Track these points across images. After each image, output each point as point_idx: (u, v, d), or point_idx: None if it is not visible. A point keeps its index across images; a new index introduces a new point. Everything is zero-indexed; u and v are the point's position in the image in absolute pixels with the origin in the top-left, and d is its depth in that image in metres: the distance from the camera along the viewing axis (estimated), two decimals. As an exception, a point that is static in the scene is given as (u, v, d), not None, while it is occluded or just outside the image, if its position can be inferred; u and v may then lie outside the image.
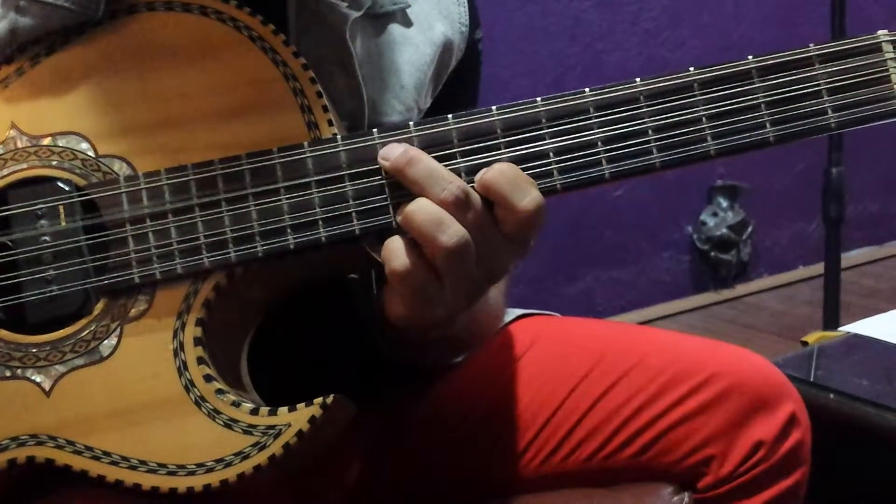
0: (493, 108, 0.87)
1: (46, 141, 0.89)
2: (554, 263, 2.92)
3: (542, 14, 2.84)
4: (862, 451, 1.56)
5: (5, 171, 0.88)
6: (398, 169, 0.84)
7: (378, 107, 0.99)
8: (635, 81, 0.88)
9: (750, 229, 3.21)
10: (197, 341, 0.85)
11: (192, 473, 0.83)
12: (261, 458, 0.82)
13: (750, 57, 0.88)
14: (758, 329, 2.99)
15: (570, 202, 2.89)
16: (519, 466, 1.07)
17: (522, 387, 1.09)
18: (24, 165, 0.88)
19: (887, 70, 0.88)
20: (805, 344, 1.85)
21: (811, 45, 0.89)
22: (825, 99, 0.88)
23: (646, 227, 3.09)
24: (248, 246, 0.86)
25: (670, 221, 3.15)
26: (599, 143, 0.86)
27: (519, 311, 1.16)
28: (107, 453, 0.84)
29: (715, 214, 3.16)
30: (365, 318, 0.96)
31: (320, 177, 0.86)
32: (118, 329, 0.86)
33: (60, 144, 0.88)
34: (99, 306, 0.86)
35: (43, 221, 0.87)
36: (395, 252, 0.84)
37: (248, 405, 0.84)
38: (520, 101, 0.87)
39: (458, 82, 1.07)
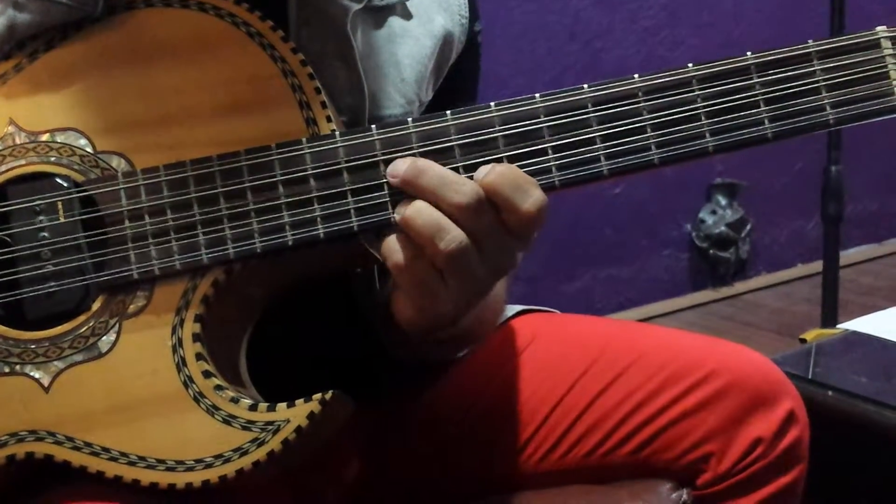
0: (492, 104, 0.87)
1: (45, 137, 0.89)
2: (553, 261, 2.92)
3: (541, 12, 2.84)
4: (860, 448, 1.56)
5: (3, 168, 0.88)
6: (409, 181, 0.84)
7: (379, 100, 0.99)
8: (633, 78, 0.88)
9: (749, 227, 3.21)
10: (195, 337, 0.85)
11: (190, 469, 0.83)
12: (259, 453, 0.82)
13: (749, 53, 0.88)
14: (756, 327, 2.99)
15: (569, 200, 2.89)
16: (518, 463, 1.08)
17: (521, 383, 1.09)
18: (23, 161, 0.88)
19: (886, 66, 0.88)
20: (803, 341, 1.85)
21: (810, 41, 0.88)
22: (823, 95, 0.88)
23: (645, 225, 3.09)
24: (247, 242, 0.86)
25: (669, 219, 3.15)
26: (598, 140, 0.86)
27: (519, 308, 1.16)
28: (106, 449, 0.84)
29: (714, 212, 3.16)
30: (367, 314, 0.96)
31: (318, 173, 0.86)
32: (117, 325, 0.86)
33: (59, 140, 0.88)
34: (97, 302, 0.86)
35: (41, 217, 0.87)
36: (395, 248, 0.84)
37: (247, 401, 0.84)
38: (518, 98, 0.87)
39: (458, 75, 1.07)
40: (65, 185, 0.87)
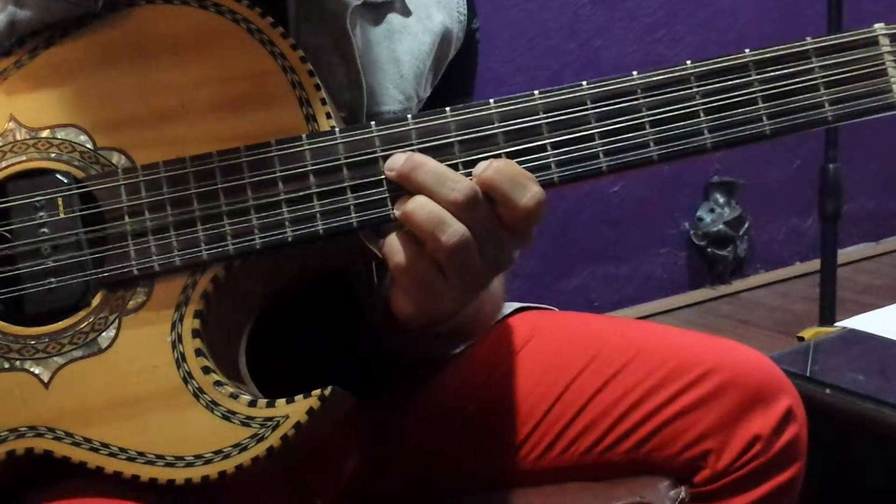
0: (491, 100, 0.87)
1: (45, 133, 0.89)
2: (550, 259, 2.92)
3: (539, 10, 2.84)
4: (858, 445, 1.56)
5: (4, 164, 0.88)
6: (404, 176, 0.84)
7: (377, 96, 0.99)
8: (632, 74, 0.88)
9: (746, 225, 3.21)
10: (195, 333, 0.85)
11: (190, 465, 0.83)
12: (259, 449, 0.82)
13: (747, 50, 0.88)
14: (754, 325, 2.99)
15: (567, 198, 2.89)
16: (516, 460, 1.08)
17: (519, 381, 1.09)
18: (23, 158, 0.88)
19: (884, 63, 0.88)
20: (801, 339, 1.85)
21: (808, 38, 0.89)
22: (822, 92, 0.88)
23: (642, 224, 3.09)
24: (247, 238, 0.86)
25: (667, 217, 3.15)
26: (596, 136, 0.87)
27: (517, 305, 1.16)
28: (105, 445, 0.84)
29: (712, 210, 3.16)
30: (366, 310, 0.96)
31: (318, 169, 0.86)
32: (116, 321, 0.86)
33: (59, 137, 0.88)
34: (97, 298, 0.86)
35: (41, 213, 0.87)
36: (396, 246, 0.84)
37: (246, 397, 0.84)
38: (517, 94, 0.87)
39: (455, 72, 1.08)
40: (65, 181, 0.87)
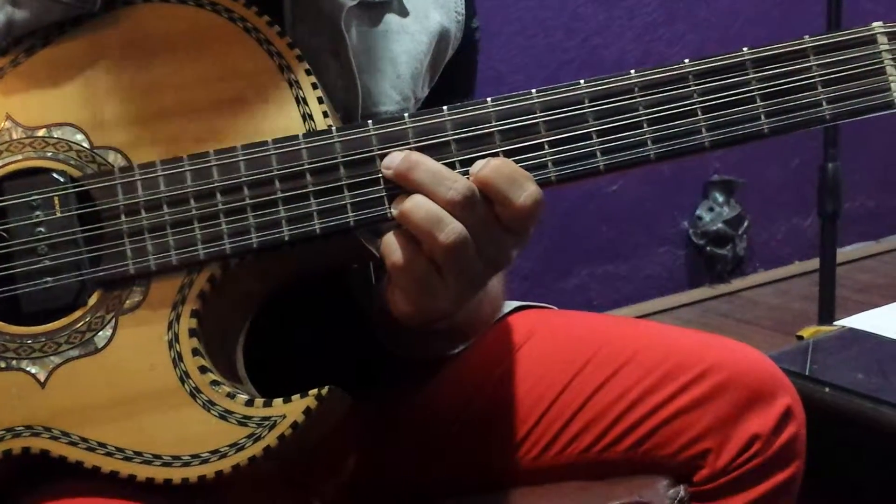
0: (488, 99, 0.87)
1: (41, 132, 0.88)
2: (549, 258, 2.92)
3: (538, 8, 2.84)
4: (857, 444, 1.56)
5: (0, 163, 0.88)
6: (401, 174, 0.84)
7: (374, 96, 0.99)
8: (630, 73, 0.87)
9: (746, 224, 3.21)
10: (192, 332, 0.85)
11: (186, 464, 0.83)
12: (256, 449, 0.82)
13: (745, 49, 0.88)
14: (753, 323, 2.99)
15: (566, 197, 2.89)
16: (515, 459, 1.08)
17: (518, 380, 1.09)
18: (19, 157, 0.88)
19: (882, 62, 0.88)
20: (800, 338, 1.86)
21: (806, 36, 0.88)
22: (819, 91, 0.88)
23: (641, 222, 3.09)
24: (243, 238, 0.86)
25: (666, 216, 3.15)
26: (594, 135, 0.86)
27: (516, 304, 1.16)
28: (102, 444, 0.84)
29: (711, 209, 3.16)
30: (364, 310, 0.96)
31: (315, 167, 0.86)
32: (113, 320, 0.86)
33: (55, 136, 0.88)
34: (94, 297, 0.86)
35: (38, 213, 0.87)
36: (393, 245, 0.84)
37: (243, 396, 0.84)
38: (514, 93, 0.87)
39: (454, 71, 1.07)
40: (61, 180, 0.87)
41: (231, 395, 0.84)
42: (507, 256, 0.87)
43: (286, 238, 0.86)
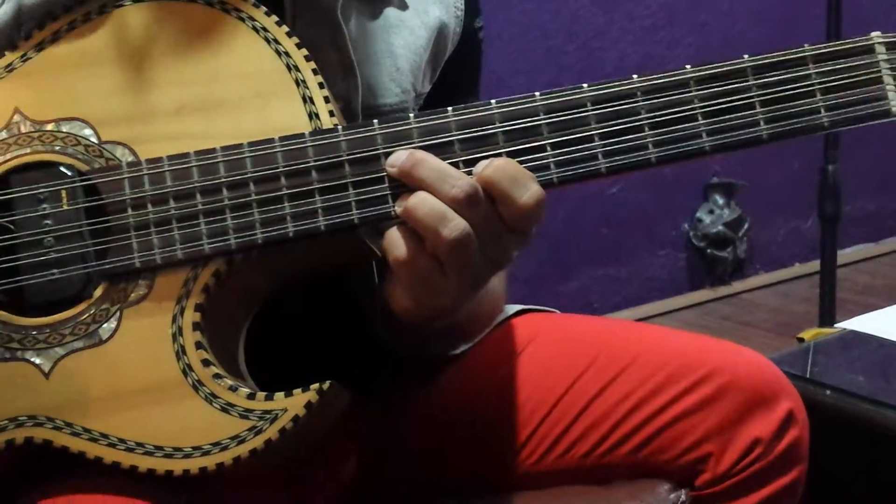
0: (493, 101, 0.88)
1: (50, 126, 0.89)
2: (550, 261, 2.92)
3: (538, 11, 2.84)
4: (858, 447, 1.56)
5: (9, 156, 0.89)
6: (405, 172, 0.85)
7: (374, 89, 1.00)
8: (632, 77, 0.88)
9: (746, 226, 3.21)
10: (195, 326, 0.86)
11: (188, 456, 0.83)
12: (257, 442, 0.83)
13: (746, 56, 0.89)
14: (754, 326, 2.99)
15: (567, 199, 2.89)
16: (516, 463, 1.07)
17: (520, 383, 1.09)
18: (28, 150, 0.89)
19: (879, 71, 0.89)
20: (801, 340, 1.85)
21: (806, 45, 0.89)
22: (818, 98, 0.89)
23: (642, 225, 3.09)
24: (248, 233, 0.86)
25: (667, 219, 3.15)
26: (596, 138, 0.87)
27: (518, 307, 1.16)
28: (104, 435, 0.84)
29: (711, 212, 3.16)
30: (367, 308, 0.96)
31: (320, 165, 0.87)
32: (118, 313, 0.86)
33: (64, 130, 0.89)
34: (99, 290, 0.87)
35: (45, 205, 0.87)
36: (396, 241, 0.84)
37: (245, 389, 0.84)
38: (518, 95, 0.88)
39: (457, 68, 1.08)
40: (69, 173, 0.88)
41: (233, 389, 0.84)
42: (509, 255, 0.87)
43: (291, 234, 0.86)
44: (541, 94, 0.88)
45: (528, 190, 0.84)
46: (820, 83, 0.89)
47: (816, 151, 2.38)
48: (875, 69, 0.89)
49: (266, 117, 0.88)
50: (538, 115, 0.87)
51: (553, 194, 0.87)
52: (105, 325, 0.86)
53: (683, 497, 1.03)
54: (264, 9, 0.89)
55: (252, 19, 0.89)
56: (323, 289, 0.95)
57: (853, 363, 1.68)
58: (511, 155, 0.87)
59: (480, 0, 1.11)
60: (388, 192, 0.86)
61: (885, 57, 0.89)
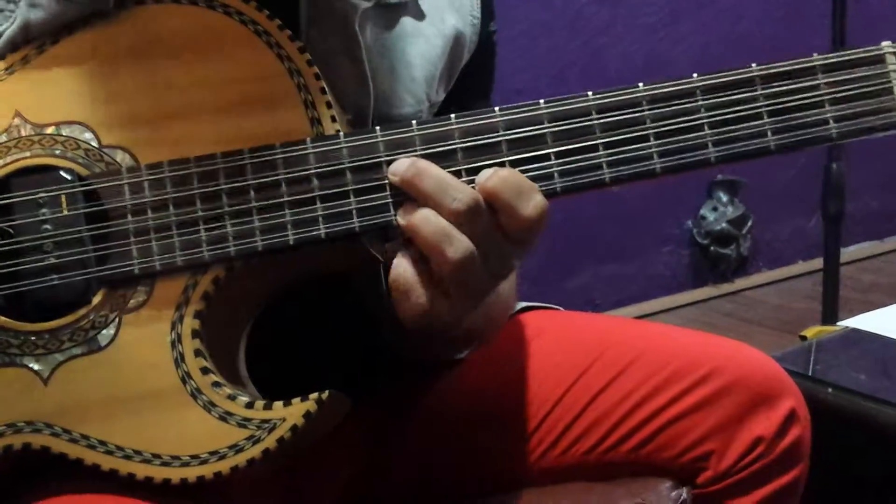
0: (496, 108, 0.87)
1: (50, 130, 0.89)
2: (553, 258, 2.92)
3: (542, 9, 2.84)
4: (860, 445, 1.56)
5: (9, 159, 0.88)
6: (407, 181, 0.84)
7: (389, 99, 0.99)
8: (638, 86, 0.87)
9: (749, 224, 3.21)
10: (195, 333, 0.85)
11: (186, 465, 0.83)
12: (255, 451, 0.83)
13: (753, 65, 0.88)
14: (757, 323, 2.99)
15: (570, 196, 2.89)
16: (518, 460, 1.07)
17: (523, 380, 1.09)
18: (28, 154, 0.88)
19: (890, 81, 0.88)
20: (804, 338, 1.85)
21: (815, 54, 0.88)
22: (827, 109, 0.87)
23: (645, 222, 3.09)
24: (248, 240, 0.86)
25: (670, 216, 3.14)
26: (600, 147, 0.86)
27: (521, 304, 1.16)
28: (102, 442, 0.84)
29: (715, 209, 3.16)
30: (373, 312, 0.96)
31: (321, 172, 0.86)
32: (117, 319, 0.86)
33: (64, 134, 0.88)
34: (98, 296, 0.86)
35: (44, 210, 0.87)
36: (402, 268, 0.84)
37: (244, 398, 0.84)
38: (522, 103, 0.87)
39: (471, 74, 1.07)
40: (69, 178, 0.87)
41: (232, 397, 0.84)
42: (510, 266, 0.87)
43: (291, 242, 0.86)
44: (545, 102, 0.87)
45: (532, 201, 0.84)
46: (829, 93, 0.87)
47: (820, 149, 2.37)
48: (885, 79, 0.88)
49: (267, 122, 0.87)
50: (542, 124, 0.86)
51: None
52: (104, 332, 0.86)
53: (685, 495, 1.03)
54: (266, 12, 0.88)
55: (254, 23, 0.88)
56: (324, 290, 0.95)
57: (856, 361, 1.67)
58: (514, 164, 0.86)
59: (494, 3, 1.10)
60: (390, 201, 0.85)
61: (895, 67, 0.88)
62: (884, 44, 0.89)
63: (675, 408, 1.03)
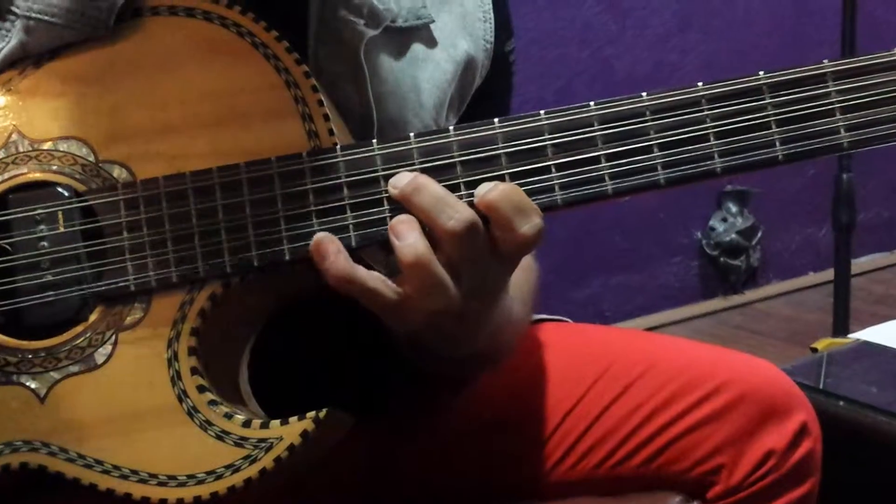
0: (496, 120, 0.85)
1: (47, 145, 0.88)
2: (562, 269, 2.92)
3: (551, 19, 2.84)
4: (872, 458, 1.55)
5: (6, 175, 0.88)
6: (405, 196, 0.83)
7: (397, 124, 0.98)
8: (642, 96, 0.86)
9: (759, 235, 3.20)
10: (191, 351, 0.85)
11: (182, 485, 0.83)
12: (252, 471, 0.82)
13: (761, 73, 0.86)
14: (767, 335, 2.98)
15: (579, 207, 2.89)
16: (526, 475, 1.07)
17: (531, 393, 1.09)
18: (25, 170, 0.88)
19: None
20: (814, 351, 1.85)
21: (825, 61, 0.86)
22: (838, 117, 0.85)
23: (655, 233, 3.08)
24: (245, 256, 0.85)
25: (679, 227, 3.14)
26: (603, 159, 0.85)
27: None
28: (99, 462, 0.84)
29: (724, 220, 3.15)
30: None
31: (318, 188, 0.85)
32: (113, 337, 0.86)
33: (61, 149, 0.88)
34: (95, 313, 0.86)
35: (42, 227, 0.86)
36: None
37: (241, 417, 0.83)
38: (522, 115, 0.86)
39: (485, 97, 1.06)
40: (66, 194, 0.87)
41: (228, 416, 0.83)
42: (493, 286, 0.86)
43: (287, 258, 0.85)
44: (545, 113, 0.85)
45: (530, 221, 0.82)
46: (840, 101, 0.85)
47: (831, 159, 2.36)
48: None
49: (264, 135, 0.86)
50: (542, 135, 0.85)
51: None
52: (101, 350, 0.85)
53: (695, 509, 1.03)
54: (264, 23, 0.88)
55: (251, 35, 0.88)
56: (329, 298, 0.94)
57: (867, 374, 1.67)
58: (514, 176, 0.85)
59: (512, 22, 1.09)
60: (388, 215, 0.84)
61: None
62: None
63: (684, 421, 1.02)
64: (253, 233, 0.85)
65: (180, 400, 0.84)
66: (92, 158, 0.88)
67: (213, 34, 0.88)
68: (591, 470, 1.05)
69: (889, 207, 3.46)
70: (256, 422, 0.83)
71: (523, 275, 0.89)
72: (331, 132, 0.86)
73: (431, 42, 1.01)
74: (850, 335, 1.96)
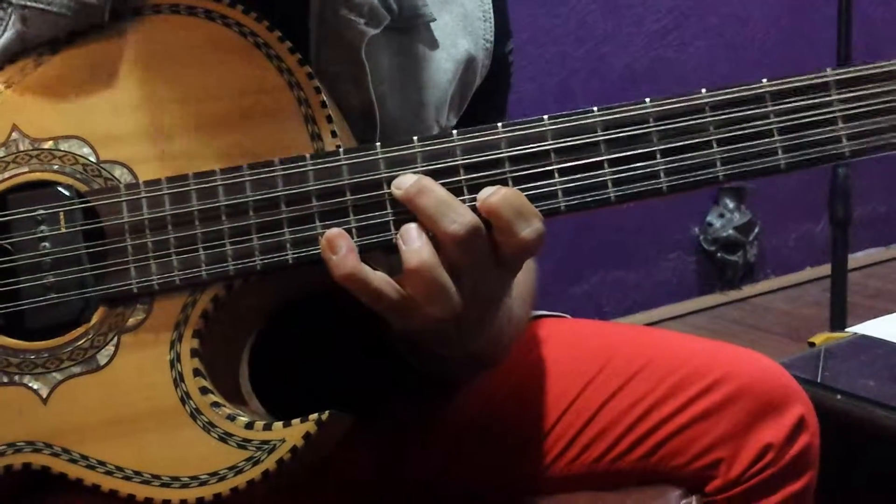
0: (499, 125, 0.85)
1: (48, 144, 0.88)
2: (560, 264, 2.92)
3: (547, 17, 2.84)
4: (869, 451, 1.56)
5: (6, 175, 0.87)
6: (409, 198, 0.83)
7: (397, 124, 0.98)
8: (645, 102, 0.85)
9: (756, 230, 3.20)
10: (193, 353, 0.85)
11: (185, 486, 0.83)
12: (254, 472, 0.82)
13: (764, 80, 0.85)
14: (764, 330, 2.98)
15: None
16: (526, 469, 1.07)
17: (530, 389, 1.09)
18: (25, 169, 0.87)
19: None
20: (812, 345, 1.85)
21: (828, 69, 0.86)
22: (840, 126, 0.85)
23: (652, 229, 3.08)
24: (247, 259, 0.85)
25: (677, 223, 3.14)
26: (606, 165, 0.84)
27: (529, 313, 1.15)
28: (102, 462, 0.84)
29: (721, 216, 3.16)
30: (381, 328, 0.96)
31: (321, 190, 0.85)
32: (115, 338, 0.85)
33: (62, 148, 0.87)
34: (97, 315, 0.86)
35: (43, 227, 0.86)
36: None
37: (244, 419, 0.84)
38: (526, 119, 0.85)
39: (485, 97, 1.06)
40: (67, 194, 0.87)
41: (231, 418, 0.83)
42: (489, 291, 0.86)
43: (290, 261, 0.85)
44: (549, 118, 0.85)
45: (531, 225, 0.82)
46: (842, 110, 0.85)
47: (827, 155, 2.37)
48: None
49: (267, 137, 0.86)
50: (546, 140, 0.84)
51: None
52: (103, 351, 0.85)
53: (694, 503, 1.03)
54: (266, 23, 0.87)
55: (254, 35, 0.87)
56: (331, 298, 0.94)
57: (864, 368, 1.68)
58: (517, 181, 0.84)
59: (510, 23, 1.09)
60: (391, 219, 0.84)
61: None
62: None
63: (683, 415, 1.02)
64: (256, 236, 0.85)
65: (183, 402, 0.84)
66: (93, 158, 0.87)
67: (216, 34, 0.87)
68: (590, 464, 1.05)
69: (885, 202, 3.46)
70: (259, 423, 0.83)
71: (522, 274, 0.89)
72: (333, 134, 0.86)
73: (432, 41, 1.01)
74: (847, 329, 1.97)
